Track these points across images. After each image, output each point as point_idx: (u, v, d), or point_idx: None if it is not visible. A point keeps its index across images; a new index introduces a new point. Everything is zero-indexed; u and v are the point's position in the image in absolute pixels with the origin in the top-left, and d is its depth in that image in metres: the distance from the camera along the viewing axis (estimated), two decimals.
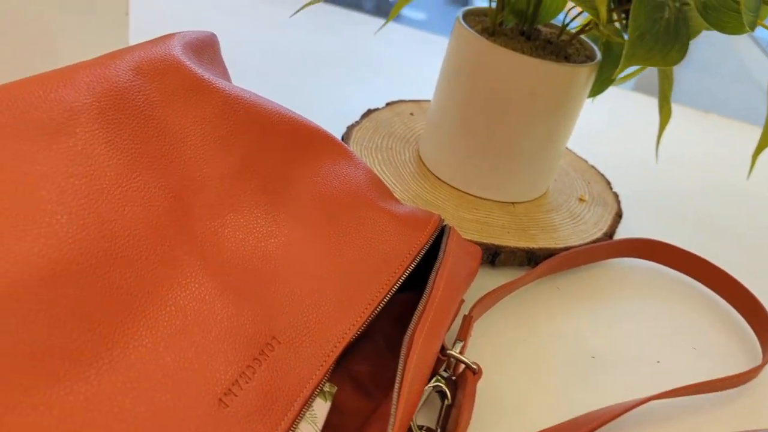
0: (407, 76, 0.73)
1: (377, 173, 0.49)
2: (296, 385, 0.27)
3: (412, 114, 0.60)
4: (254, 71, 0.65)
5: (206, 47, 0.36)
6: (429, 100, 0.63)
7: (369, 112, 0.58)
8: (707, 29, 0.41)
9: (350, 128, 0.54)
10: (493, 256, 0.44)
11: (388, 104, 0.61)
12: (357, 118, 0.59)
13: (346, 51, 0.75)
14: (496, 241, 0.44)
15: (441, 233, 0.38)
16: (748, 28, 0.36)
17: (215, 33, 0.37)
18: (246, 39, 0.71)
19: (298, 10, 0.43)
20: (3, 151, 0.23)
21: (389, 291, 0.33)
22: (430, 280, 0.33)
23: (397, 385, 0.27)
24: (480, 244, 0.44)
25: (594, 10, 0.38)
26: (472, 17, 0.49)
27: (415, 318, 0.31)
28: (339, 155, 0.37)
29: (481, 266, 0.45)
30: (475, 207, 0.48)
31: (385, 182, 0.48)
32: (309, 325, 0.29)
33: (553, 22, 0.51)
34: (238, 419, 0.25)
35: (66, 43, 0.49)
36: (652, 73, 1.00)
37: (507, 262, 0.45)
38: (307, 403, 0.27)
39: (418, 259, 0.35)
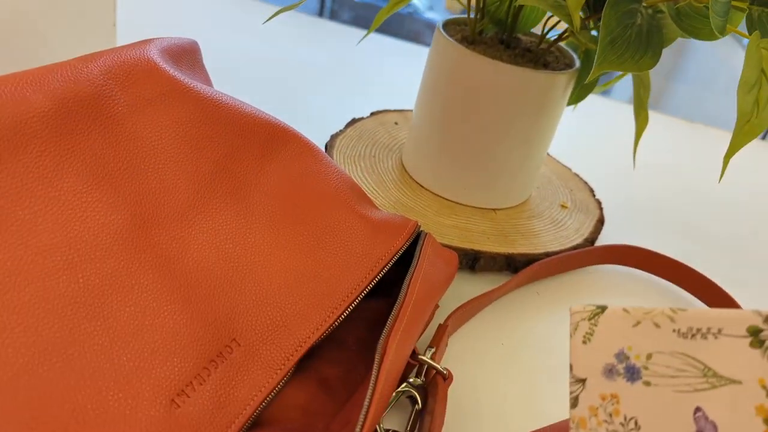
0: (393, 86, 0.74)
1: (359, 181, 0.49)
2: (250, 389, 0.27)
3: (396, 123, 0.60)
4: (241, 80, 0.66)
5: (186, 53, 0.36)
6: (412, 110, 0.64)
7: (353, 121, 0.59)
8: (681, 36, 0.41)
9: (334, 137, 0.55)
10: (473, 262, 0.44)
11: (372, 114, 0.61)
12: (341, 127, 0.59)
13: (332, 61, 0.76)
14: (476, 247, 0.44)
15: (417, 239, 0.38)
16: (717, 34, 0.36)
17: (196, 41, 0.38)
18: (233, 48, 0.72)
19: (270, 17, 0.44)
20: None
21: (358, 295, 0.33)
22: (404, 285, 0.34)
23: (371, 388, 0.28)
24: (459, 250, 0.44)
25: (568, 17, 0.38)
26: (453, 26, 0.50)
27: (389, 322, 0.31)
28: (314, 159, 0.37)
29: (461, 271, 0.45)
30: (455, 213, 0.48)
31: (367, 189, 0.48)
32: (271, 327, 0.30)
33: (533, 30, 0.52)
34: (189, 420, 0.25)
35: (54, 53, 0.50)
36: (653, 84, 1.01)
37: (487, 268, 0.45)
38: (259, 407, 0.27)
39: (391, 263, 0.35)
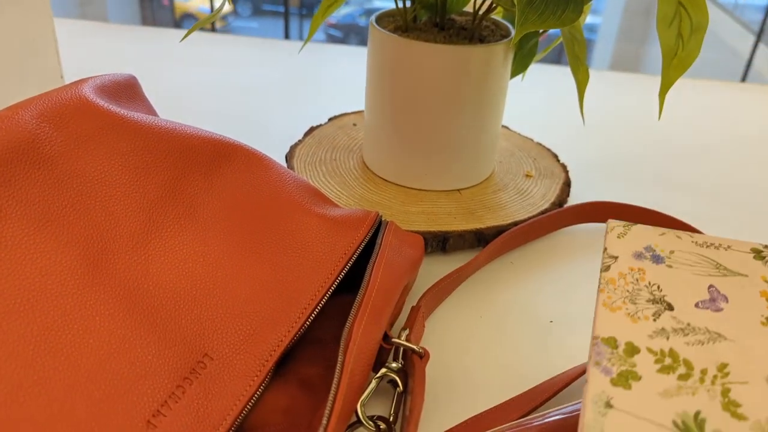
0: (350, 91, 0.74)
1: (321, 184, 0.50)
2: (228, 400, 0.28)
3: (354, 125, 0.61)
4: (198, 110, 0.66)
5: (123, 88, 0.37)
6: None
7: (312, 129, 0.59)
8: None
9: (293, 147, 0.55)
10: (443, 243, 0.45)
11: (330, 119, 0.62)
12: (300, 137, 0.59)
13: (287, 78, 0.76)
14: (444, 228, 0.45)
15: (379, 230, 0.38)
16: None
17: (134, 75, 0.38)
18: (187, 81, 0.73)
19: (188, 33, 0.44)
20: None
21: (326, 292, 0.33)
22: (367, 273, 0.34)
23: (337, 373, 0.28)
24: (427, 234, 0.44)
25: None
26: (386, 18, 0.50)
27: (353, 310, 0.32)
28: (263, 168, 0.37)
29: (434, 254, 0.45)
30: (420, 200, 0.48)
31: (330, 191, 0.49)
32: (243, 337, 0.30)
33: (466, 10, 0.52)
34: None
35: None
36: (628, 49, 1.01)
37: (458, 247, 0.45)
38: (240, 415, 0.28)
39: (355, 257, 0.36)
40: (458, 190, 0.50)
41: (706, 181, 0.58)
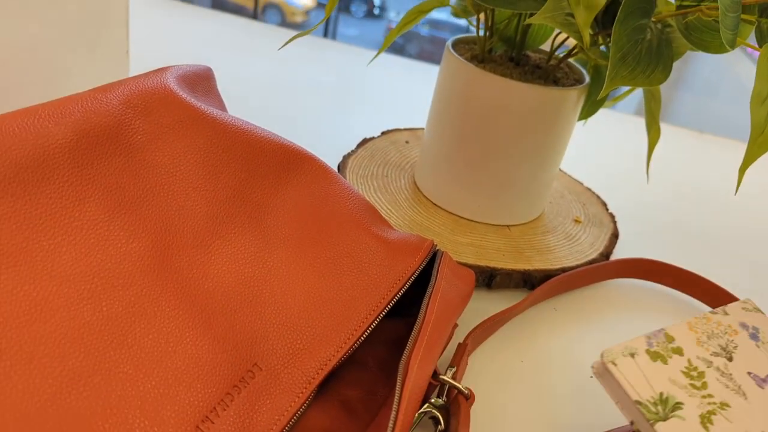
0: (402, 105, 0.74)
1: (372, 201, 0.49)
2: (274, 414, 0.27)
3: (407, 142, 0.60)
4: (252, 106, 0.66)
5: (201, 80, 0.37)
6: (423, 128, 0.64)
7: (365, 141, 0.59)
8: (691, 50, 0.41)
9: (346, 157, 0.55)
10: (490, 279, 0.44)
11: (383, 133, 0.61)
12: (353, 147, 0.59)
13: (341, 83, 0.76)
14: (492, 264, 0.44)
15: (434, 258, 0.38)
16: (728, 47, 0.36)
17: (210, 67, 0.38)
18: (244, 74, 0.73)
19: (287, 42, 0.44)
20: None
21: (377, 316, 0.33)
22: (423, 305, 0.34)
23: (394, 409, 0.28)
24: (475, 267, 0.44)
25: (577, 34, 0.38)
26: (462, 45, 0.50)
27: (410, 343, 0.31)
28: (330, 181, 0.37)
29: (478, 289, 0.45)
30: (470, 231, 0.48)
31: (381, 209, 0.49)
32: (292, 351, 0.30)
33: (542, 47, 0.52)
34: None
35: (70, 81, 0.50)
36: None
37: (503, 285, 0.45)
38: (284, 430, 0.27)
39: (408, 283, 0.35)
40: (508, 226, 0.50)
41: (753, 248, 0.57)
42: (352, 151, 0.56)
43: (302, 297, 0.32)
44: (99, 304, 0.25)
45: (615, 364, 0.31)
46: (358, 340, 0.32)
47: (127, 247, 0.27)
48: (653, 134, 0.45)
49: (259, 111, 0.65)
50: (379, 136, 0.60)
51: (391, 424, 0.26)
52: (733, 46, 0.36)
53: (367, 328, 0.33)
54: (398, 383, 0.28)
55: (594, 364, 0.32)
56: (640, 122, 0.83)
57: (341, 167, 0.54)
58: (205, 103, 0.37)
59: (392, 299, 0.34)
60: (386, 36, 0.51)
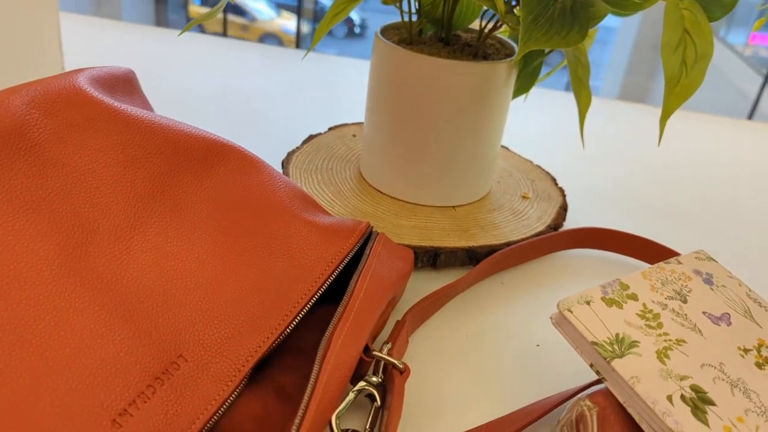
0: (352, 101, 0.74)
1: (316, 193, 0.49)
2: (200, 403, 0.27)
3: (354, 135, 0.60)
4: (201, 111, 0.66)
5: (120, 81, 0.37)
6: None
7: (310, 137, 0.59)
8: (611, 12, 0.42)
9: (290, 153, 0.55)
10: (434, 258, 0.44)
11: (330, 128, 0.61)
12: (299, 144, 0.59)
13: (294, 87, 0.76)
14: (436, 243, 0.44)
15: (369, 240, 0.38)
16: (642, 3, 0.36)
17: (132, 69, 0.38)
18: (189, 83, 0.72)
19: (187, 27, 0.44)
20: None
21: (309, 300, 0.33)
22: (351, 283, 0.33)
23: (311, 383, 0.27)
24: (418, 248, 0.44)
25: (492, 2, 0.38)
26: (391, 30, 0.50)
27: (334, 319, 0.31)
28: (256, 171, 0.37)
29: (424, 270, 0.44)
30: (414, 214, 0.48)
31: (324, 200, 0.48)
32: (220, 340, 0.29)
33: (472, 27, 0.52)
34: None
35: None
36: (636, 82, 1.01)
37: (448, 263, 0.44)
38: (210, 420, 0.27)
39: (342, 266, 0.35)
40: (453, 206, 0.49)
41: (704, 213, 0.57)
42: (297, 147, 0.56)
43: (230, 287, 0.31)
44: (4, 303, 0.25)
45: (571, 311, 0.31)
46: (289, 325, 0.32)
47: (34, 245, 0.27)
48: (583, 99, 0.45)
49: (207, 117, 0.65)
50: (325, 132, 0.60)
51: (306, 398, 0.25)
52: (646, 3, 0.37)
53: (299, 313, 0.32)
54: (318, 358, 0.28)
55: (552, 315, 0.32)
56: (603, 103, 0.83)
57: (284, 163, 0.53)
58: (125, 102, 0.36)
59: (324, 283, 0.34)
60: (316, 30, 0.51)
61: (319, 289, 0.34)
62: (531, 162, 0.60)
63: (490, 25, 0.48)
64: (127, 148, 0.32)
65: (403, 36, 0.49)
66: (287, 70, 0.81)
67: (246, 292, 0.32)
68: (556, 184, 0.56)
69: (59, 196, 0.29)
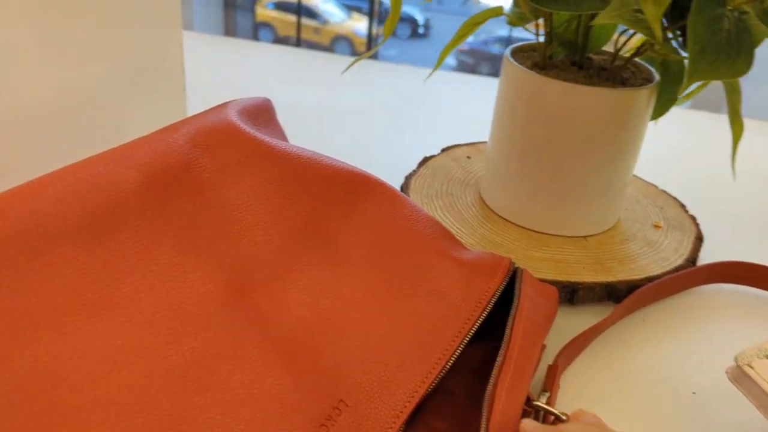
0: (458, 120, 0.73)
1: (440, 220, 0.48)
2: None
3: (468, 157, 0.59)
4: (310, 133, 0.66)
5: (261, 111, 0.37)
6: (484, 142, 0.63)
7: (425, 159, 0.58)
8: None
9: (408, 177, 0.54)
10: (571, 294, 0.42)
11: (443, 150, 0.60)
12: (414, 167, 0.58)
13: (396, 103, 0.76)
14: (573, 278, 0.42)
15: (513, 277, 0.36)
16: None
17: (269, 98, 0.38)
18: (300, 102, 0.73)
19: (349, 66, 0.44)
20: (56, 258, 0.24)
21: (461, 343, 0.31)
22: (507, 329, 0.32)
23: None
24: (556, 283, 0.42)
25: (648, 30, 0.36)
26: (520, 54, 0.48)
27: (495, 370, 0.30)
28: (399, 205, 0.36)
29: (560, 306, 0.43)
30: (545, 244, 0.46)
31: (450, 228, 0.47)
32: (377, 383, 0.28)
33: (604, 49, 0.50)
34: None
35: (131, 120, 0.51)
36: (707, 90, 0.97)
37: (586, 299, 0.42)
38: None
39: (490, 306, 0.34)
40: (584, 236, 0.47)
41: None
42: (414, 170, 0.55)
43: (381, 327, 0.31)
44: (181, 348, 0.25)
45: (752, 367, 0.30)
46: (444, 368, 0.30)
47: (204, 287, 0.27)
48: (737, 128, 0.42)
49: (317, 139, 0.65)
50: (439, 154, 0.59)
51: None
52: None
53: (452, 355, 0.31)
54: (484, 414, 0.27)
55: (728, 369, 0.31)
56: (698, 116, 0.79)
57: (404, 188, 0.52)
58: (268, 135, 0.36)
59: (475, 323, 0.33)
60: (441, 52, 0.50)
61: (470, 330, 0.32)
62: (656, 187, 0.57)
63: (628, 47, 0.46)
64: (280, 185, 0.32)
65: (535, 60, 0.47)
66: (388, 85, 0.80)
67: (398, 332, 0.31)
68: (686, 211, 0.53)
69: (222, 235, 0.29)
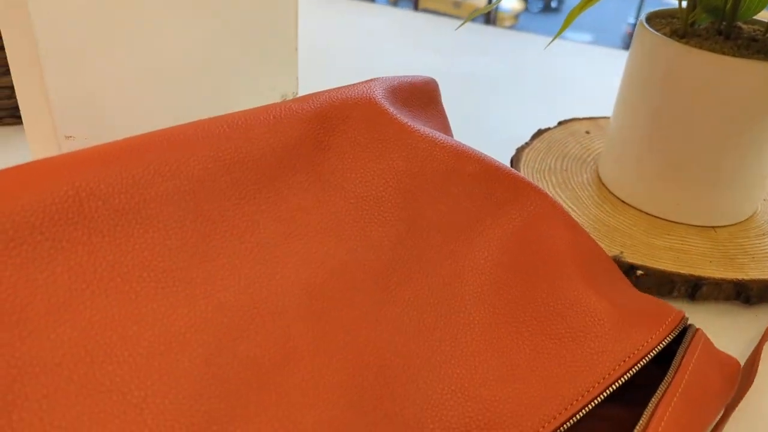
0: (579, 93, 0.68)
1: (552, 196, 0.45)
2: None
3: (587, 132, 0.55)
4: None
5: (417, 91, 0.33)
6: (606, 117, 0.58)
7: (540, 132, 0.54)
8: None
9: (520, 150, 0.51)
10: (693, 290, 0.38)
11: (560, 123, 0.56)
12: (527, 139, 0.55)
13: (512, 71, 0.72)
14: (697, 272, 0.38)
15: (681, 335, 0.30)
16: None
17: (435, 79, 0.34)
18: (411, 66, 0.71)
19: (462, 23, 0.41)
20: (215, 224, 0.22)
21: (588, 403, 0.25)
22: (657, 410, 0.25)
23: None
24: (676, 275, 0.38)
25: None
26: (657, 20, 0.44)
27: None
28: (553, 221, 0.30)
29: (678, 299, 0.39)
30: (667, 232, 0.42)
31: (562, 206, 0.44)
32: (470, 428, 0.24)
33: (757, 18, 0.44)
34: None
35: (242, 78, 0.51)
36: None
37: (710, 296, 0.38)
38: None
39: (637, 368, 0.27)
40: (713, 227, 0.43)
41: None
42: (527, 143, 0.52)
43: (492, 363, 0.26)
44: (249, 341, 0.22)
45: None
46: (560, 427, 0.25)
47: (295, 277, 0.23)
48: None
49: None
50: (555, 127, 0.55)
51: None
52: None
53: (570, 419, 0.25)
54: None
55: None
56: None
57: (514, 161, 0.49)
58: (419, 118, 0.32)
59: (612, 384, 0.26)
60: (566, 17, 0.46)
61: (604, 391, 0.26)
62: None
63: None
64: (410, 178, 0.28)
65: (674, 27, 0.42)
66: (507, 53, 0.76)
67: (511, 372, 0.26)
68: None
69: (330, 223, 0.25)
